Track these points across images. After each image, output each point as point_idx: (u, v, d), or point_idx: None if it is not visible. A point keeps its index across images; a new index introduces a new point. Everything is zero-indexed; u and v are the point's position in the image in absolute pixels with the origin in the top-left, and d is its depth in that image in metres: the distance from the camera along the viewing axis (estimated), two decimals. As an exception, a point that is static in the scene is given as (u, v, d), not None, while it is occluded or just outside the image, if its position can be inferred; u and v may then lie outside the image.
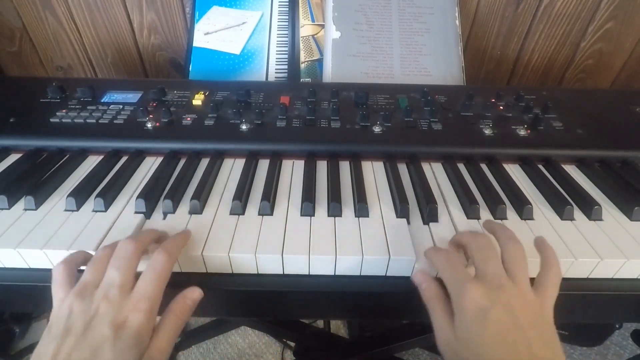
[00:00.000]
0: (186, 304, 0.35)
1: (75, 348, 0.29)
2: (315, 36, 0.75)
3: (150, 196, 0.46)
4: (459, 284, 0.32)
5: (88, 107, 0.59)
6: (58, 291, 0.34)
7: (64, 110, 0.58)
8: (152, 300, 0.32)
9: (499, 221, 0.44)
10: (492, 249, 0.34)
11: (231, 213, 0.44)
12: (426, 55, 0.74)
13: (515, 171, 0.53)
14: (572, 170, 0.54)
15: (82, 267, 0.36)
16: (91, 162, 0.53)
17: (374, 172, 0.52)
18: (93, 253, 0.38)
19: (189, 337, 1.10)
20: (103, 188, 0.46)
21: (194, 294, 0.36)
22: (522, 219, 0.45)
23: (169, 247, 0.36)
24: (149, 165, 0.53)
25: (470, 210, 0.45)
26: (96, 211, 0.45)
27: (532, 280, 0.35)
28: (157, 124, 0.56)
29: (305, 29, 0.75)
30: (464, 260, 0.38)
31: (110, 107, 0.59)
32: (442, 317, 0.33)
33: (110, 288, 0.32)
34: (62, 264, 0.35)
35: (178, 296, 0.35)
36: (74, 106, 0.59)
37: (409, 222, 0.44)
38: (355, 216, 0.44)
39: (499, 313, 0.30)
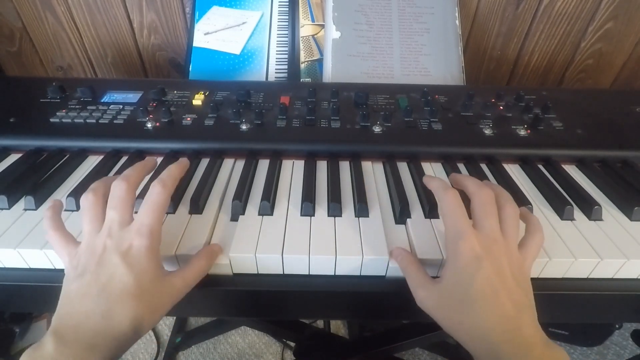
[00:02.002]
0: (214, 249, 0.39)
1: (95, 280, 0.32)
2: (315, 36, 0.75)
3: (150, 196, 0.46)
4: (460, 230, 0.35)
5: (88, 107, 0.59)
6: (62, 255, 0.36)
7: (64, 110, 0.58)
8: (151, 226, 0.34)
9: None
10: (493, 205, 0.36)
11: (231, 213, 0.44)
12: (426, 55, 0.74)
13: (515, 171, 0.53)
14: (572, 170, 0.54)
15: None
16: (91, 162, 0.53)
17: (374, 172, 0.52)
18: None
19: (189, 337, 1.10)
20: (103, 188, 0.46)
21: (218, 246, 0.40)
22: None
23: (164, 178, 0.37)
24: (149, 165, 0.53)
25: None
26: (96, 211, 0.44)
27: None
28: (157, 124, 0.56)
29: (305, 29, 0.75)
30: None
31: (110, 107, 0.59)
32: (419, 275, 0.37)
33: (112, 226, 0.34)
34: (52, 231, 0.37)
35: (203, 247, 0.39)
36: (74, 106, 0.59)
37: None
38: (355, 216, 0.44)
39: (489, 265, 0.33)
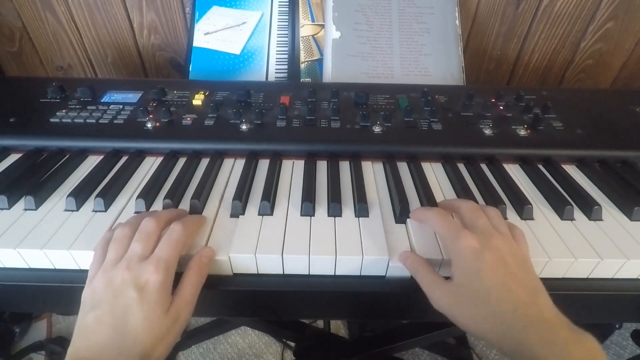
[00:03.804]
0: (202, 261, 0.38)
1: (110, 312, 0.33)
2: (315, 36, 0.75)
3: (150, 196, 0.46)
4: (454, 233, 0.36)
5: (88, 107, 0.59)
6: (93, 270, 0.37)
7: (64, 110, 0.58)
8: (168, 263, 0.36)
9: None
10: (480, 210, 0.39)
11: (231, 213, 0.44)
12: (426, 55, 0.74)
13: (515, 171, 0.53)
14: (572, 170, 0.54)
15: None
16: (91, 162, 0.53)
17: (374, 172, 0.52)
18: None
19: (189, 337, 1.10)
20: (103, 188, 0.46)
21: (208, 252, 0.39)
22: (522, 219, 0.45)
23: (185, 221, 0.40)
24: (149, 166, 0.53)
25: (470, 210, 0.45)
26: (96, 211, 0.45)
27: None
28: (157, 124, 0.56)
29: (305, 29, 0.75)
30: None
31: (110, 107, 0.59)
32: (432, 276, 0.37)
33: (132, 258, 0.36)
34: (100, 245, 0.39)
35: (193, 257, 0.39)
36: (74, 106, 0.59)
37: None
38: (355, 216, 0.44)
39: (490, 254, 0.34)
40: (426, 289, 0.37)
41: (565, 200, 0.47)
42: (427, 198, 0.45)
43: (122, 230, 0.38)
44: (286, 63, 0.75)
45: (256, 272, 0.41)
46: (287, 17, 0.76)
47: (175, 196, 0.45)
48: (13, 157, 0.54)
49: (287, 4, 0.76)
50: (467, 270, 0.34)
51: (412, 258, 0.39)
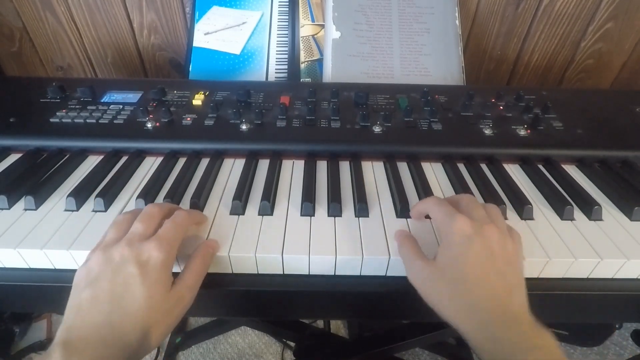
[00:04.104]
0: (208, 250, 0.38)
1: (109, 289, 0.32)
2: (315, 36, 0.75)
3: (150, 196, 0.46)
4: (449, 216, 0.36)
5: (88, 107, 0.59)
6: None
7: (64, 110, 0.58)
8: (171, 242, 0.35)
9: None
10: (478, 202, 0.39)
11: (231, 213, 0.44)
12: (426, 55, 0.74)
13: (515, 171, 0.53)
14: (572, 170, 0.54)
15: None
16: (91, 162, 0.53)
17: (374, 172, 0.52)
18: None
19: (189, 337, 1.10)
20: (103, 188, 0.46)
21: (214, 243, 0.40)
22: (522, 218, 0.45)
23: (190, 210, 0.41)
24: (149, 165, 0.53)
25: (470, 210, 0.45)
26: (96, 211, 0.45)
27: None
28: (157, 124, 0.56)
29: (305, 29, 0.75)
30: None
31: (110, 107, 0.59)
32: (415, 250, 0.37)
33: (133, 237, 0.35)
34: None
35: (198, 245, 0.38)
36: (74, 106, 0.59)
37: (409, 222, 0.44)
38: (355, 216, 0.44)
39: (480, 244, 0.34)
40: (405, 262, 0.38)
41: (565, 200, 0.47)
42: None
43: (123, 215, 0.38)
44: (286, 63, 0.75)
45: (256, 272, 0.41)
46: (287, 17, 0.76)
47: (175, 196, 0.45)
48: (13, 157, 0.54)
49: (287, 4, 0.76)
50: (452, 252, 0.35)
51: (400, 232, 0.40)
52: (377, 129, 0.55)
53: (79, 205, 0.45)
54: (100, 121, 0.56)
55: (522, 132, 0.56)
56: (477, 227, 0.35)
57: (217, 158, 0.53)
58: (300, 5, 0.76)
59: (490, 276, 0.33)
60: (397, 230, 0.41)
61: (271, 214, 0.44)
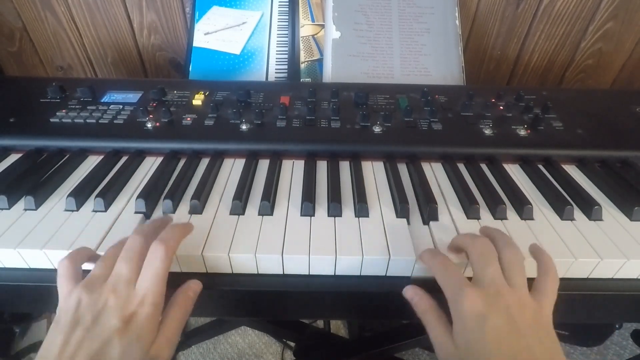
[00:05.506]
0: (188, 295, 0.36)
1: (84, 339, 0.30)
2: (315, 36, 0.75)
3: (150, 196, 0.46)
4: (457, 289, 0.32)
5: (88, 107, 0.59)
6: (64, 285, 0.34)
7: (64, 110, 0.58)
8: (157, 294, 0.33)
9: (497, 227, 0.42)
10: (490, 253, 0.34)
11: (231, 213, 0.44)
12: (426, 55, 0.74)
13: (515, 171, 0.53)
14: (572, 170, 0.54)
15: (86, 267, 0.36)
16: (91, 162, 0.53)
17: (374, 172, 0.52)
18: (97, 252, 0.39)
19: (189, 337, 1.10)
20: (103, 188, 0.46)
21: (195, 285, 0.37)
22: (522, 219, 0.45)
23: (166, 239, 0.35)
24: (149, 165, 0.53)
25: (471, 211, 0.45)
26: (96, 211, 0.45)
27: (530, 283, 0.34)
28: (157, 124, 0.56)
29: (305, 29, 0.75)
30: (461, 264, 0.38)
31: (110, 107, 0.59)
32: (439, 327, 0.34)
33: (119, 281, 0.33)
34: (67, 259, 0.35)
35: (179, 289, 0.37)
36: (74, 106, 0.59)
37: (409, 222, 0.44)
38: (355, 216, 0.44)
39: (497, 319, 0.30)
40: (432, 337, 0.34)
41: (565, 200, 0.47)
42: (427, 198, 0.45)
43: (113, 249, 0.36)
44: (286, 63, 0.75)
45: (256, 272, 0.41)
46: (287, 17, 0.76)
47: (175, 196, 0.45)
48: (13, 157, 0.54)
49: (287, 4, 0.76)
50: (468, 336, 0.30)
51: (418, 297, 0.36)
52: (377, 129, 0.55)
53: (79, 205, 0.45)
54: (100, 121, 0.56)
55: (522, 132, 0.56)
56: (491, 301, 0.30)
57: (217, 158, 0.53)
58: (300, 5, 0.76)
59: (518, 351, 0.28)
60: (409, 287, 0.38)
61: (271, 214, 0.44)
